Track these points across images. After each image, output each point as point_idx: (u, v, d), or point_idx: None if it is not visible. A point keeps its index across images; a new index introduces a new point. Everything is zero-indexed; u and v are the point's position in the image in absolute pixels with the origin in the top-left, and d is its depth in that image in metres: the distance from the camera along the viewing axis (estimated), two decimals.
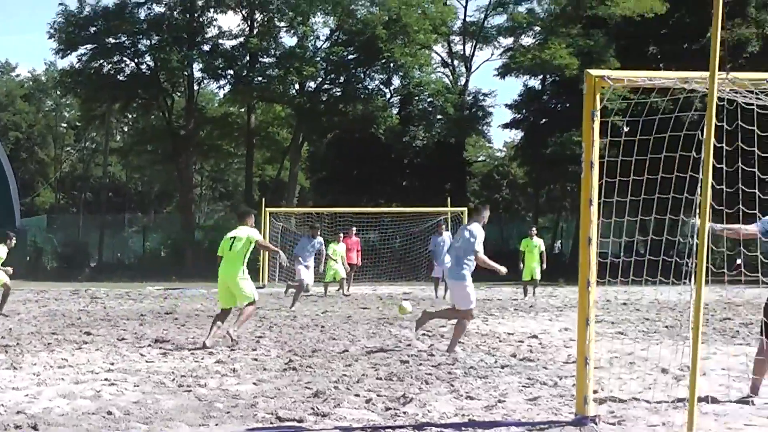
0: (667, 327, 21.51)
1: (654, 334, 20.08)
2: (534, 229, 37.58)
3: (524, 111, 69.07)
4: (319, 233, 33.02)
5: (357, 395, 12.53)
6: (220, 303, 19.16)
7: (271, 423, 10.75)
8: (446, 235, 35.20)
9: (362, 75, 68.20)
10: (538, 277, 34.43)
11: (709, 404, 11.60)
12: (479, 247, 17.00)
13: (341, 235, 38.21)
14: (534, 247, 34.55)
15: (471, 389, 13.03)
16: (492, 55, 75.23)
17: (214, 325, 18.51)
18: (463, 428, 10.36)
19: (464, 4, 71.09)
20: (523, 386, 13.35)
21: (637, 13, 59.59)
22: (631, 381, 13.46)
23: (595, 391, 11.27)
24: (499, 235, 62.42)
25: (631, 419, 10.71)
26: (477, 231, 17.06)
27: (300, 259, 31.04)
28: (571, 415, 10.76)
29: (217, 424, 10.65)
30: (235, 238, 18.75)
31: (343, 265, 37.01)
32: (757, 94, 10.46)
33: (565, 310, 27.64)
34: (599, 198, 10.71)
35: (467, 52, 72.99)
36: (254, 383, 13.58)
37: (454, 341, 17.21)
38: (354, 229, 40.28)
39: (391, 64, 66.12)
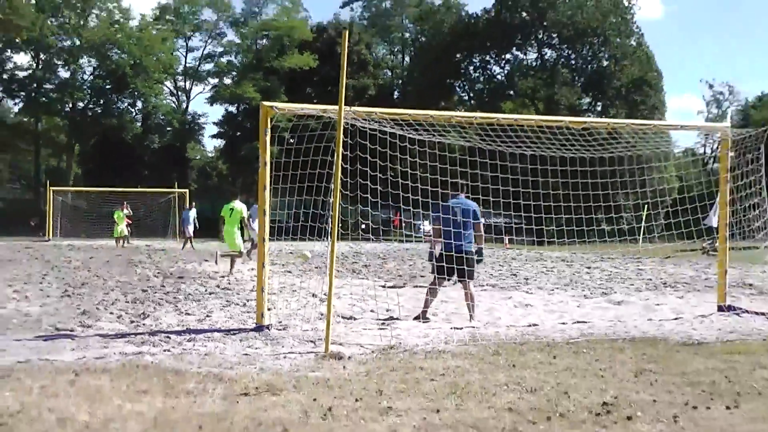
0: (317, 267, 21.91)
1: (310, 272, 20.49)
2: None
3: (226, 127, 69.51)
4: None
5: (111, 313, 12.35)
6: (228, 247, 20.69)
7: (51, 332, 10.46)
8: (194, 211, 35.40)
9: (115, 99, 67.55)
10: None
11: (344, 318, 12.00)
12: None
13: (124, 205, 37.61)
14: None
15: (189, 308, 13.01)
16: (204, 89, 75.09)
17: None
18: (182, 333, 10.33)
19: (185, 55, 70.95)
20: (223, 306, 13.40)
21: (299, 66, 61.88)
22: (293, 302, 13.70)
23: (269, 309, 11.46)
24: (211, 209, 62.32)
25: (292, 326, 10.87)
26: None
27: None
28: (253, 324, 10.87)
29: (13, 333, 10.30)
30: (233, 209, 20.64)
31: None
32: (369, 121, 10.88)
33: (255, 258, 27.61)
34: (271, 184, 10.92)
35: (187, 87, 72.65)
36: (40, 306, 13.12)
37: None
38: (125, 203, 39.10)
39: (136, 93, 66.22)
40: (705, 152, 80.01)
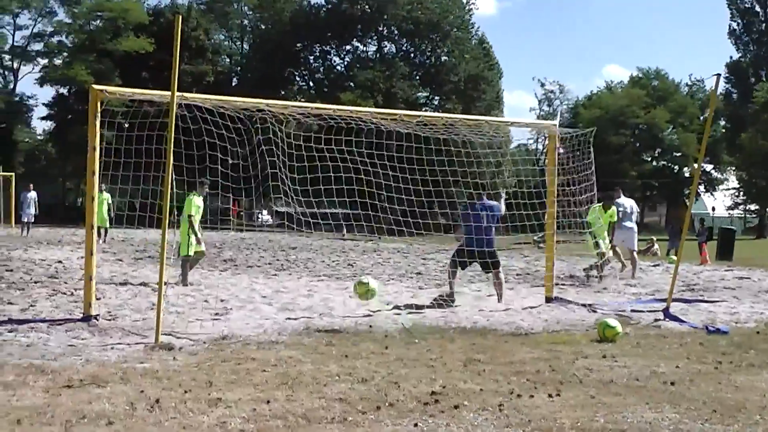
0: (150, 257, 21.50)
1: (141, 261, 20.10)
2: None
3: (56, 109, 67.24)
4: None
5: None
6: None
7: None
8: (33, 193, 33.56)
9: None
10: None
11: (175, 306, 11.77)
12: None
13: None
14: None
15: (11, 298, 12.44)
16: (33, 69, 71.63)
17: None
18: (3, 324, 9.80)
19: (13, 33, 68.27)
20: (49, 295, 12.90)
21: (134, 50, 60.56)
22: (124, 292, 13.39)
23: (98, 299, 11.18)
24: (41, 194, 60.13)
25: (122, 317, 10.68)
26: None
27: None
28: (80, 315, 10.48)
29: None
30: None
31: None
32: (203, 109, 10.70)
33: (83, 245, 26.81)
34: (105, 170, 10.72)
35: (15, 66, 69.87)
36: None
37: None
38: None
39: None
40: (537, 148, 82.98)
